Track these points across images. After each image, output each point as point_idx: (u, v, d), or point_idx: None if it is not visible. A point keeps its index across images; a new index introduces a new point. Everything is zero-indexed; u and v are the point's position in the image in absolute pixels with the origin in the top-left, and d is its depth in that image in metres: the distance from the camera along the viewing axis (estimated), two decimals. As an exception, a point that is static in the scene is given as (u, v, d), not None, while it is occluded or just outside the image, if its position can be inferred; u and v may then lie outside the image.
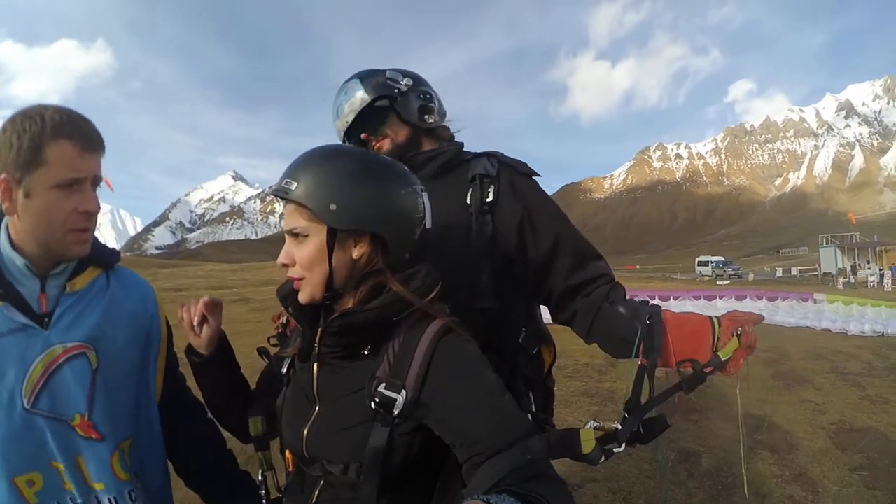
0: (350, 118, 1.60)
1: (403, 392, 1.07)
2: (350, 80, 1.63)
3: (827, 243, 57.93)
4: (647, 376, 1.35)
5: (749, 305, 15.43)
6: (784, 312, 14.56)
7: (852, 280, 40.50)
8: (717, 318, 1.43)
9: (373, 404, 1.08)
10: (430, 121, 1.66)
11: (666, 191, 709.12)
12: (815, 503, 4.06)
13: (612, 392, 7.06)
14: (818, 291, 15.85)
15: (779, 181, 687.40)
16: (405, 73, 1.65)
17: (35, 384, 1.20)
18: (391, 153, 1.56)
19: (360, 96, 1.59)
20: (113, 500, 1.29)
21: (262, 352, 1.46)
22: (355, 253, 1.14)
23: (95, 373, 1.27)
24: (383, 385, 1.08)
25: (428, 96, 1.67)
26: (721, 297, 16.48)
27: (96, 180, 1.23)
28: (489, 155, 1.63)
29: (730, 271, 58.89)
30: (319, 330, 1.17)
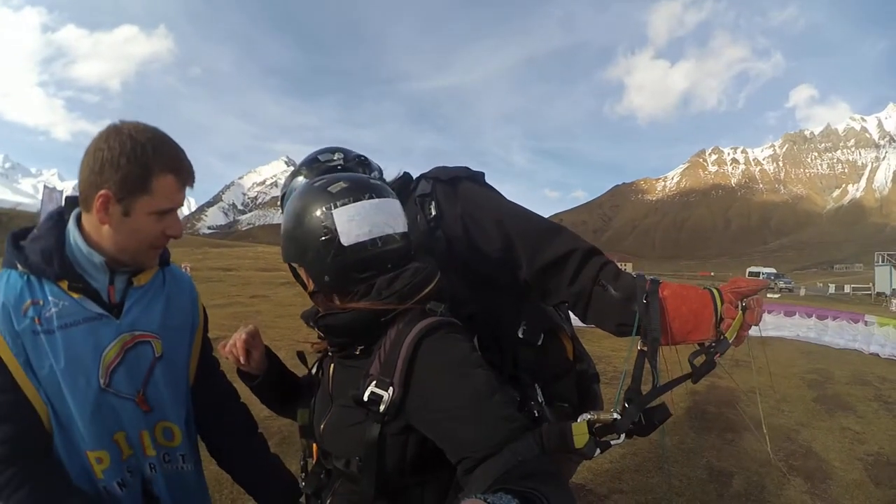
0: None
1: (390, 389, 1.11)
2: (293, 176, 1.72)
3: (883, 261, 55.69)
4: (649, 362, 1.29)
5: (798, 322, 15.07)
6: (833, 333, 14.12)
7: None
8: (719, 290, 1.36)
9: (362, 401, 1.13)
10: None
11: (720, 196, 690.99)
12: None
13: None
14: (870, 312, 15.31)
15: (837, 193, 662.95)
16: (333, 150, 1.73)
17: (109, 366, 1.35)
18: None
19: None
20: (154, 467, 1.45)
21: (301, 356, 1.58)
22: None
23: (158, 360, 1.44)
24: (374, 382, 1.13)
25: (362, 158, 1.74)
26: (770, 312, 16.04)
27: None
28: (425, 176, 1.67)
29: (781, 284, 57.03)
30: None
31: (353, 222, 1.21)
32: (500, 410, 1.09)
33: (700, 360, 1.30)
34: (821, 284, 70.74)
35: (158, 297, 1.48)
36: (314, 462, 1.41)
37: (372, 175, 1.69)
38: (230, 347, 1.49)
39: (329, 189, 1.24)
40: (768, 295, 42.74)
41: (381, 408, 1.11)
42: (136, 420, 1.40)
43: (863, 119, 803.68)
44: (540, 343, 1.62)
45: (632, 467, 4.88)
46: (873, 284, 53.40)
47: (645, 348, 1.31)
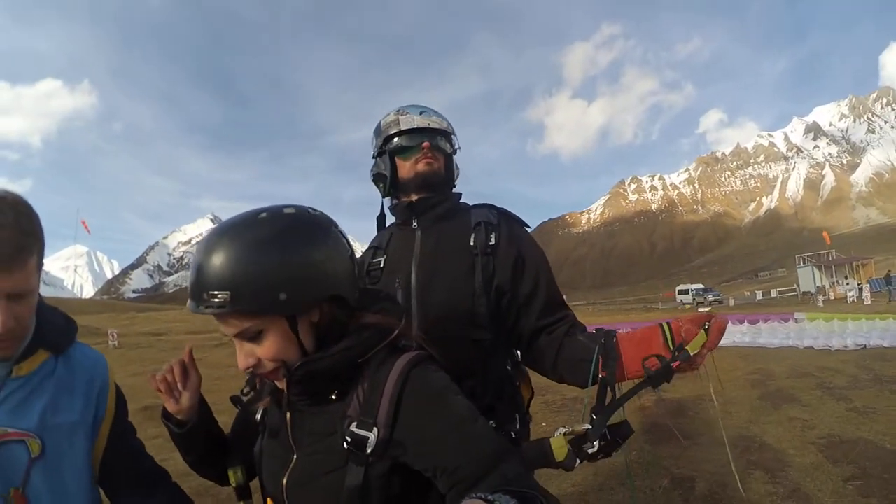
0: (434, 126, 1.78)
1: (375, 430, 1.06)
2: (439, 112, 1.83)
3: (804, 263, 58.63)
4: (608, 385, 1.39)
5: (731, 329, 15.50)
6: (766, 334, 14.65)
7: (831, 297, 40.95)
8: (667, 322, 1.49)
9: (345, 444, 1.07)
10: (454, 184, 1.89)
11: (643, 222, 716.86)
12: (811, 518, 4.00)
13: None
14: (798, 311, 15.98)
15: (752, 206, 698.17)
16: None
17: None
18: (432, 171, 1.76)
19: (447, 126, 1.83)
20: None
21: (235, 400, 1.41)
22: (314, 318, 1.12)
23: (35, 461, 1.24)
24: (354, 424, 1.07)
25: (458, 168, 1.92)
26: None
27: (12, 295, 1.16)
28: (488, 206, 1.81)
29: (710, 298, 59.07)
30: (285, 379, 1.13)
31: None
32: (485, 433, 1.09)
33: (653, 363, 1.39)
34: (748, 293, 74.09)
35: (42, 391, 1.29)
36: None
37: None
38: (162, 374, 1.33)
39: (318, 213, 1.19)
40: (699, 310, 44.34)
41: (368, 450, 1.06)
42: None
43: (770, 135, 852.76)
44: (518, 384, 1.77)
45: (595, 487, 4.83)
46: (798, 285, 56.30)
47: (604, 374, 1.43)
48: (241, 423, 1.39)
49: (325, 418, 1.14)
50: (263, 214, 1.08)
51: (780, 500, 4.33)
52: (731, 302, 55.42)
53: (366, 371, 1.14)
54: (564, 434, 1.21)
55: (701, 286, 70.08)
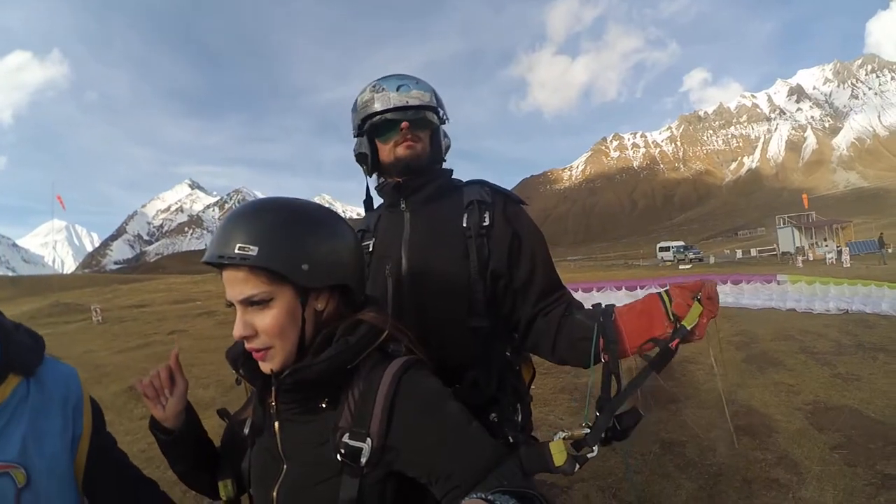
0: (414, 102, 1.63)
1: (368, 440, 1.05)
2: (421, 81, 1.68)
3: (784, 223, 58.86)
4: (613, 373, 1.35)
5: (714, 290, 15.61)
6: (749, 295, 14.70)
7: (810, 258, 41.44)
8: (666, 290, 1.43)
9: (338, 456, 1.05)
10: (444, 160, 1.77)
11: (624, 179, 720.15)
12: (798, 484, 4.08)
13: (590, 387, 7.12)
14: (779, 272, 16.13)
15: (734, 165, 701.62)
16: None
17: None
18: (413, 156, 1.64)
19: (430, 98, 1.66)
20: None
21: (222, 413, 1.42)
22: (319, 305, 1.14)
23: (22, 490, 1.18)
24: (347, 435, 1.06)
25: (448, 139, 1.78)
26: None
27: None
28: (481, 183, 1.72)
29: (691, 255, 59.39)
30: (273, 388, 1.13)
31: None
32: (480, 437, 1.09)
33: (653, 349, 1.36)
34: (728, 251, 74.65)
35: (19, 418, 1.22)
36: None
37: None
38: (149, 380, 1.33)
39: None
40: (680, 267, 44.71)
41: (362, 460, 1.05)
42: None
43: (753, 96, 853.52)
44: (518, 368, 1.71)
45: (586, 454, 4.86)
46: (777, 245, 56.66)
47: (607, 358, 1.38)
48: (230, 436, 1.37)
49: (315, 427, 1.12)
50: (302, 200, 1.16)
51: (769, 467, 4.40)
52: (712, 260, 55.91)
53: (356, 377, 1.12)
54: (564, 439, 1.18)
55: (681, 243, 70.27)
